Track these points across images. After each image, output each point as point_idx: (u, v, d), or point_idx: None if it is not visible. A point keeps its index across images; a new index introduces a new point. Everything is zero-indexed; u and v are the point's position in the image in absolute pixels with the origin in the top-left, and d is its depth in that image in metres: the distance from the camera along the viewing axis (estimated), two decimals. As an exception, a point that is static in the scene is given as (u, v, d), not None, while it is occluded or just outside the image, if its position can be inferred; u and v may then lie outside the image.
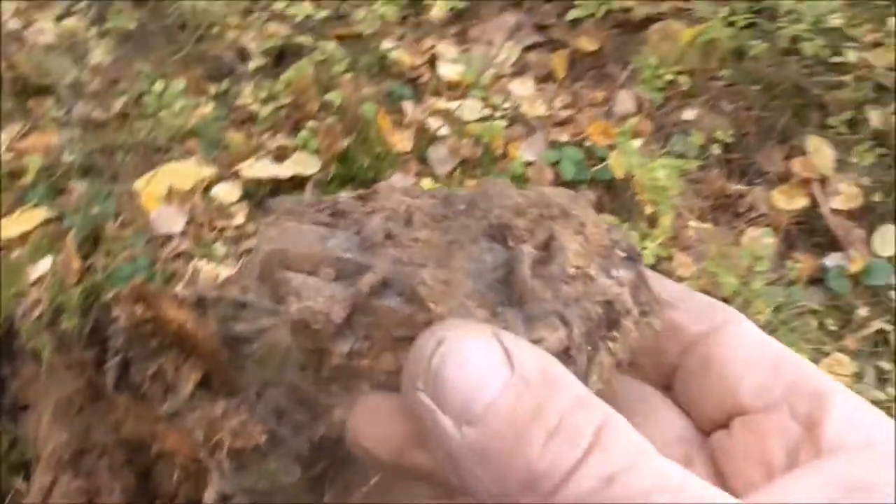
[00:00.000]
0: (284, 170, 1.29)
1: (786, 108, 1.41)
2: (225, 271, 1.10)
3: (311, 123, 1.34)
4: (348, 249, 0.27)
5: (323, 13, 1.60)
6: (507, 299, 0.24)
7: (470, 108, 1.40)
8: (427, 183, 1.22)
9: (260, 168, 1.31)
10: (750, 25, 1.43)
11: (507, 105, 1.41)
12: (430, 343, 0.22)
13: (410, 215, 0.27)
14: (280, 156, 1.32)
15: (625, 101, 1.46)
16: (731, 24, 1.43)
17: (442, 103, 1.42)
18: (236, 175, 1.31)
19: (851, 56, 1.33)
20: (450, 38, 1.55)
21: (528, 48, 1.55)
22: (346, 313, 0.25)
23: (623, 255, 0.26)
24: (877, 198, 1.31)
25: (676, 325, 0.26)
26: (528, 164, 1.38)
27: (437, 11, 1.56)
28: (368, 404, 0.25)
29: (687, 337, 0.27)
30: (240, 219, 1.24)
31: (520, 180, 1.36)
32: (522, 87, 1.48)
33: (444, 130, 1.32)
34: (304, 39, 1.53)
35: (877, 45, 1.35)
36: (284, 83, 1.42)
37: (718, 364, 0.26)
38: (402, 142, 1.27)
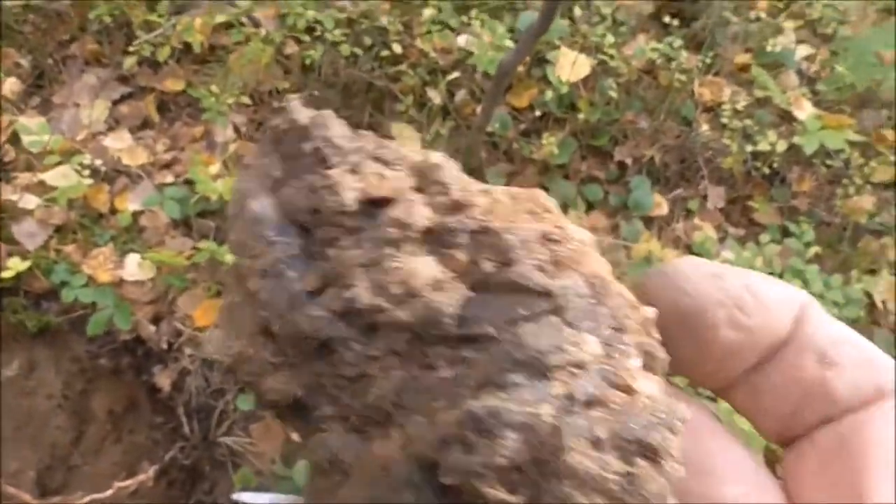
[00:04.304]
0: None
1: (365, 104, 1.56)
2: None
3: None
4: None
5: None
6: None
7: (63, 175, 1.39)
8: (16, 262, 1.19)
9: None
10: (316, 38, 1.56)
11: (100, 162, 1.42)
12: None
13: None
14: None
15: (221, 131, 1.52)
16: (299, 41, 1.55)
17: (32, 177, 1.39)
18: None
19: (398, 48, 1.51)
20: (31, 109, 1.52)
21: (116, 101, 1.56)
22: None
23: None
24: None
25: (825, 386, 0.19)
26: (139, 213, 1.41)
27: (10, 86, 1.52)
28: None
29: (832, 407, 0.20)
30: None
31: (131, 231, 1.38)
32: (119, 141, 1.49)
33: (30, 204, 1.30)
34: None
35: (421, 35, 1.54)
36: None
37: (856, 457, 0.19)
38: (-19, 230, 1.23)
